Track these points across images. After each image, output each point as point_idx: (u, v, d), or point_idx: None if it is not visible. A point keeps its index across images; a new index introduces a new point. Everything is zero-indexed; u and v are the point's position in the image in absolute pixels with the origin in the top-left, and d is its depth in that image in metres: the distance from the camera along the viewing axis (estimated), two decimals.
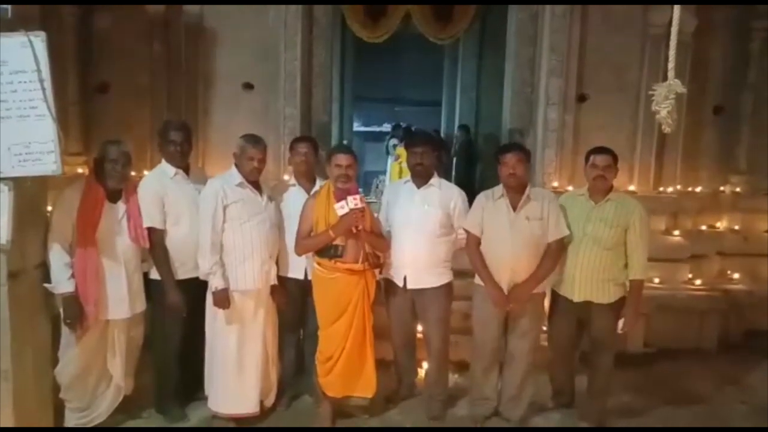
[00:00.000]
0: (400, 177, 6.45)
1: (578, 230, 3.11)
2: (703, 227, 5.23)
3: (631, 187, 4.87)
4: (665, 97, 2.09)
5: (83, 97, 4.84)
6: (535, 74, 5.06)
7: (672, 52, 2.10)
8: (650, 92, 2.18)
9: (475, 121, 9.06)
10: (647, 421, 3.43)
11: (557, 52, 4.81)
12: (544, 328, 3.50)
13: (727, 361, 4.41)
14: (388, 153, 9.52)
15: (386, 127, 11.73)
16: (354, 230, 3.04)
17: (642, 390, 3.84)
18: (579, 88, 4.90)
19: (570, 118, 4.89)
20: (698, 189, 5.22)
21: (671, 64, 2.11)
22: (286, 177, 4.26)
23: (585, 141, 4.78)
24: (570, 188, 4.50)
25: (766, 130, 5.36)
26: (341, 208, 3.02)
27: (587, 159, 3.18)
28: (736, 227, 5.34)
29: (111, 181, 2.94)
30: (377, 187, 7.77)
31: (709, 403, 3.73)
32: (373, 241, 3.18)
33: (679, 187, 5.09)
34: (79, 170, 4.60)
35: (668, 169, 5.06)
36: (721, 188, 5.36)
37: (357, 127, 12.98)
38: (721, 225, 5.35)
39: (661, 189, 5.02)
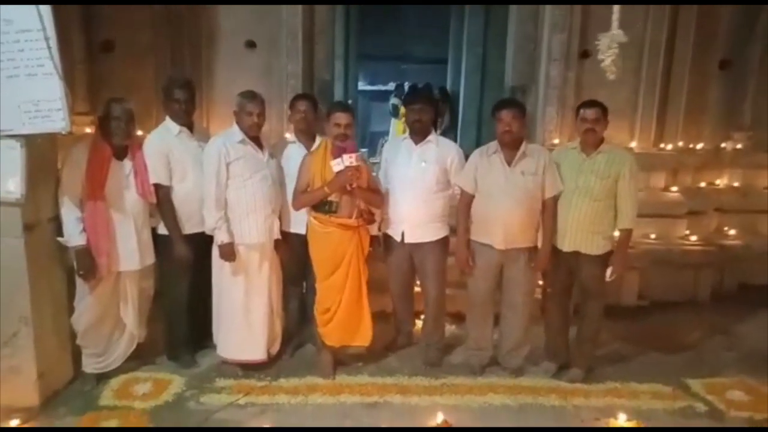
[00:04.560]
0: None
1: (570, 182, 3.19)
2: (703, 184, 5.28)
3: (632, 144, 4.90)
4: (608, 47, 2.20)
5: (88, 57, 4.88)
6: (538, 29, 5.02)
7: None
8: (596, 42, 2.29)
9: (481, 78, 8.98)
10: (633, 366, 3.57)
11: (561, 6, 4.76)
12: (540, 282, 3.62)
13: (719, 313, 4.54)
14: (391, 114, 9.50)
15: (392, 86, 11.63)
16: (348, 187, 3.13)
17: (633, 339, 3.98)
18: (582, 44, 4.87)
19: (572, 75, 4.87)
20: (700, 146, 5.24)
21: (615, 15, 2.18)
22: (287, 135, 4.33)
23: (587, 98, 4.73)
24: None
25: None
26: (337, 165, 3.11)
27: (577, 113, 3.23)
28: (736, 184, 5.39)
29: (116, 138, 3.03)
30: (382, 147, 7.81)
31: (695, 350, 3.88)
32: (368, 197, 3.27)
33: (680, 143, 5.11)
34: (87, 130, 4.68)
35: (670, 125, 5.07)
36: (723, 144, 5.37)
37: (362, 86, 12.86)
38: (722, 182, 5.39)
39: (662, 146, 5.04)
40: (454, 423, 2.87)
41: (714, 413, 3.09)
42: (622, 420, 2.92)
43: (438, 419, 2.86)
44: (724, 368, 3.59)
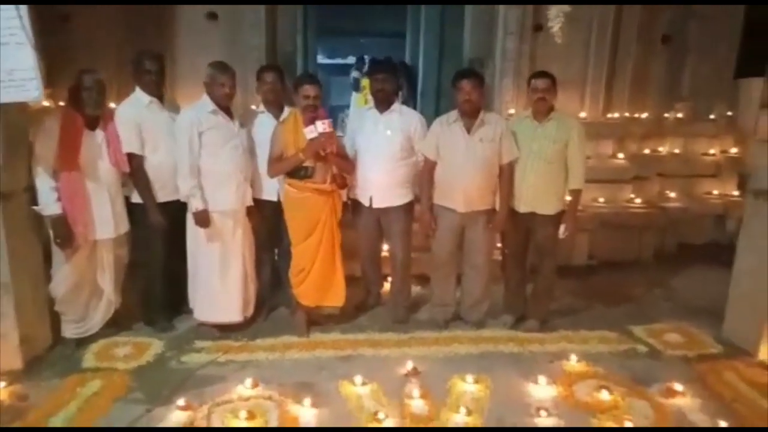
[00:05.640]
0: None
1: (526, 148, 3.43)
2: (647, 151, 5.65)
3: (582, 114, 5.19)
4: (556, 15, 2.53)
5: (45, 30, 4.77)
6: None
7: None
8: (546, 12, 2.61)
9: (440, 52, 9.14)
10: (583, 318, 3.90)
11: None
12: (499, 245, 3.88)
13: (660, 270, 4.96)
14: (352, 87, 9.57)
15: (351, 60, 11.65)
16: (322, 153, 3.28)
17: (582, 294, 4.33)
18: (536, 18, 5.09)
19: (526, 48, 5.10)
20: (644, 115, 5.59)
21: None
22: (253, 107, 4.41)
23: (541, 70, 5.04)
24: None
25: (709, 58, 5.73)
26: (311, 132, 3.24)
27: (529, 83, 3.46)
28: (677, 150, 5.80)
29: (88, 109, 3.08)
30: (342, 122, 7.91)
31: (638, 302, 4.25)
32: (340, 163, 3.43)
33: (627, 113, 5.44)
34: (45, 103, 4.62)
35: (617, 96, 5.40)
36: (666, 114, 5.75)
37: (321, 59, 12.84)
38: (664, 149, 5.79)
39: (610, 115, 5.37)
40: (423, 370, 3.12)
41: (653, 353, 3.44)
42: (573, 361, 3.23)
43: (408, 366, 3.10)
44: (662, 316, 3.95)
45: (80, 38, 4.81)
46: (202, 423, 2.64)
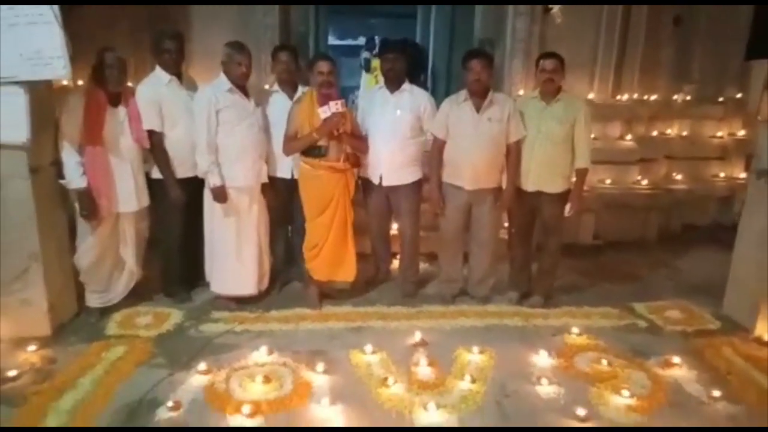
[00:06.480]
0: None
1: (533, 128, 3.50)
2: (655, 133, 5.69)
3: (591, 95, 5.24)
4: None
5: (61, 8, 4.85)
6: None
7: None
8: None
9: (450, 33, 9.14)
10: (587, 295, 4.02)
11: None
12: (506, 225, 3.98)
13: (663, 250, 5.06)
14: (362, 67, 9.59)
15: (362, 41, 11.63)
16: (336, 132, 3.38)
17: (587, 273, 4.43)
18: None
19: (536, 29, 5.13)
20: (653, 97, 5.62)
21: None
22: (266, 86, 4.50)
23: (549, 50, 5.07)
24: None
25: (719, 40, 5.73)
26: (324, 112, 3.34)
27: (537, 64, 3.53)
28: (685, 133, 5.84)
29: (110, 86, 3.19)
30: (353, 103, 7.97)
31: (641, 281, 4.35)
32: (354, 142, 3.54)
33: (635, 95, 5.48)
34: (64, 82, 4.73)
35: (627, 77, 5.42)
36: (674, 97, 5.78)
37: (332, 40, 12.83)
38: (672, 131, 5.83)
39: (619, 97, 5.40)
40: (430, 341, 3.25)
41: (653, 328, 3.55)
42: (574, 333, 3.35)
43: (416, 337, 3.24)
44: (665, 295, 4.05)
45: (94, 17, 4.86)
46: (221, 386, 2.78)
